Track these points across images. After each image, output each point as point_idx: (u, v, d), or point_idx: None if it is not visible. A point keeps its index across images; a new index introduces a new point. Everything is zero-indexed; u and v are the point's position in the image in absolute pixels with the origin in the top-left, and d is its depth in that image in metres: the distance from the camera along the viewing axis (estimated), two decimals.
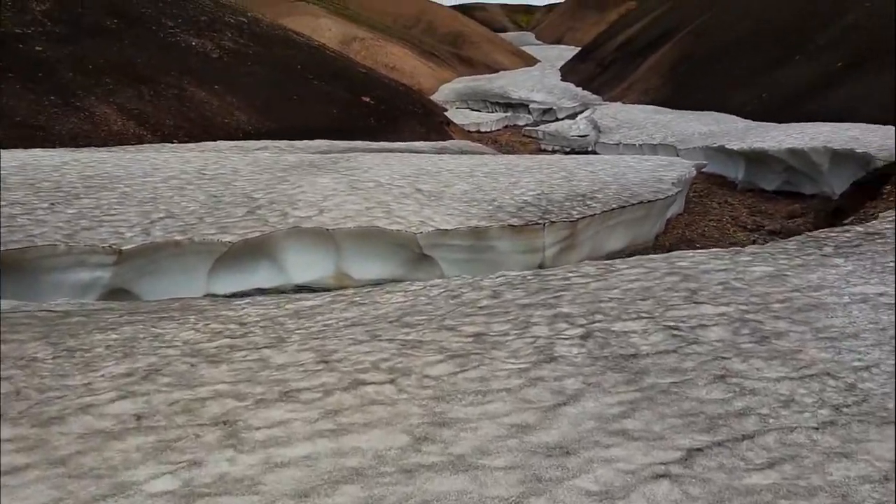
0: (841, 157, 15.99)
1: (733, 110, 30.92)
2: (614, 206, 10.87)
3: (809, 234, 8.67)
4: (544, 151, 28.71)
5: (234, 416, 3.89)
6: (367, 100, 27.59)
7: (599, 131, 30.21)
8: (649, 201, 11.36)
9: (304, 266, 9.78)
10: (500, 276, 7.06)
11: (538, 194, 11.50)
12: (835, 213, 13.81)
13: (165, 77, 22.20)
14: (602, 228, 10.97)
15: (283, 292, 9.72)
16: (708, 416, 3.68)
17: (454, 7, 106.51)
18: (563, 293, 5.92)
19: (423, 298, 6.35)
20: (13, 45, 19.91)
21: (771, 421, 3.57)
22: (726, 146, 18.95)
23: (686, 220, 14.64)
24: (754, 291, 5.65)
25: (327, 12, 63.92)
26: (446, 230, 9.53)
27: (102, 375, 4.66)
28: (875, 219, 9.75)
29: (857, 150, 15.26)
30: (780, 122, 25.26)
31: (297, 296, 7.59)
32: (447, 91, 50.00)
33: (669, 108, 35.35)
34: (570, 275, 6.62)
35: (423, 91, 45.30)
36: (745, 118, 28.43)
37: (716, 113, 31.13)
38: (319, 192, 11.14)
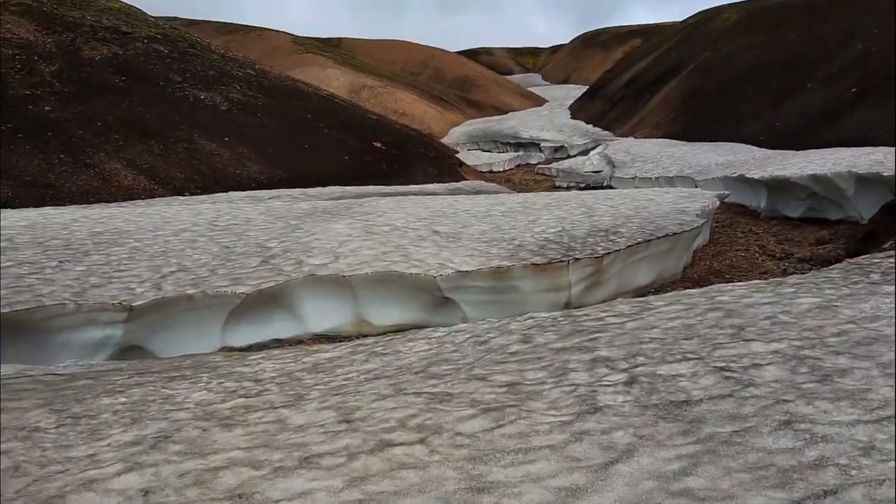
0: (866, 182, 15.58)
1: (747, 140, 30.67)
2: (639, 240, 10.50)
3: (851, 260, 8.26)
4: (559, 188, 28.42)
5: (251, 487, 3.51)
6: (379, 145, 27.49)
7: (614, 166, 29.95)
8: (674, 234, 10.98)
9: (322, 314, 9.45)
10: (528, 319, 6.69)
11: (559, 231, 11.15)
12: (867, 237, 13.36)
13: (174, 131, 22.16)
14: (628, 263, 10.58)
15: (300, 342, 9.38)
16: (779, 469, 3.26)
17: (460, 52, 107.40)
18: (598, 335, 5.53)
19: (448, 346, 5.97)
20: (22, 107, 19.94)
21: (853, 473, 3.16)
22: (746, 175, 18.55)
23: (712, 250, 14.22)
24: (805, 325, 5.24)
25: (335, 63, 64.59)
26: (466, 272, 9.18)
27: (108, 444, 4.30)
28: None
29: (884, 174, 14.84)
30: (796, 149, 24.95)
31: (315, 347, 7.22)
32: (458, 133, 50.08)
33: (682, 140, 35.16)
34: (604, 314, 6.22)
35: (434, 134, 45.37)
36: (761, 147, 28.16)
37: (730, 143, 30.84)
38: (334, 238, 10.85)
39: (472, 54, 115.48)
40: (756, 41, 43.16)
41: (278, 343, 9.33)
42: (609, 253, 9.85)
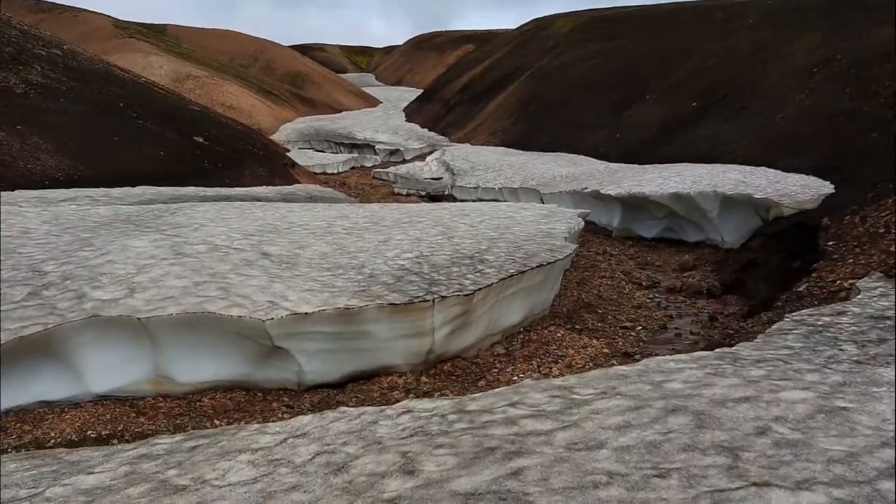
0: (730, 203, 14.82)
1: (587, 151, 30.20)
2: (511, 271, 8.82)
3: (792, 317, 6.93)
4: (399, 195, 26.68)
5: None
6: (201, 140, 24.63)
7: (454, 174, 28.61)
8: (549, 263, 9.41)
9: (109, 369, 7.11)
10: (402, 413, 4.73)
11: (417, 257, 9.30)
12: (747, 267, 12.44)
13: None
14: (500, 299, 8.88)
15: (78, 405, 7.01)
16: None
17: (293, 47, 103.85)
18: (521, 460, 3.67)
19: (284, 469, 3.92)
20: None
21: None
22: (602, 191, 17.49)
23: (576, 277, 12.87)
24: (824, 448, 3.64)
25: (158, 50, 60.02)
26: (306, 314, 7.14)
27: None
28: (846, 289, 8.27)
29: (755, 196, 14.06)
30: (640, 163, 24.48)
31: (77, 455, 4.81)
32: (289, 131, 47.40)
33: (520, 149, 34.46)
34: (515, 412, 4.38)
35: (264, 131, 42.48)
36: (602, 159, 27.65)
37: (570, 154, 30.27)
38: (133, 261, 8.47)
39: (305, 50, 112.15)
40: (593, 50, 43.39)
41: (46, 406, 6.92)
42: (480, 288, 8.10)
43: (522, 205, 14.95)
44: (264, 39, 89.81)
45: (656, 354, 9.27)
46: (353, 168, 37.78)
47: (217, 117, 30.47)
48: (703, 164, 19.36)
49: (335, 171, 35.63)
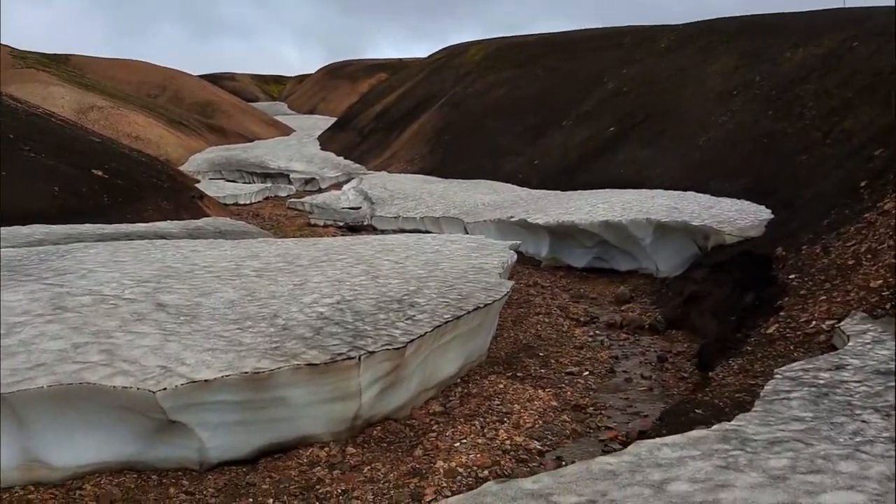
0: (664, 230, 14.23)
1: (506, 178, 29.65)
2: (447, 316, 7.84)
3: (784, 373, 6.12)
4: (315, 226, 25.47)
5: None
6: (100, 173, 22.98)
7: (372, 203, 27.60)
8: (486, 305, 8.48)
9: None
10: None
11: (338, 303, 8.23)
12: (690, 300, 11.74)
13: None
14: (434, 349, 7.88)
15: None
16: None
17: (203, 77, 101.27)
18: None
19: None
20: None
21: None
22: (529, 220, 16.72)
23: (511, 314, 11.97)
24: None
25: (60, 80, 57.32)
26: (206, 381, 6.01)
27: None
28: (825, 332, 7.56)
29: (693, 223, 13.47)
30: (562, 189, 23.96)
31: None
32: (199, 161, 45.64)
33: (438, 176, 33.77)
34: None
35: (172, 161, 40.65)
36: (522, 185, 27.07)
37: (489, 181, 29.66)
38: (2, 319, 7.16)
39: (215, 79, 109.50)
40: (505, 77, 43.22)
41: None
42: (413, 339, 7.09)
43: (449, 237, 14.02)
44: (171, 69, 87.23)
45: (610, 406, 8.46)
46: (266, 198, 36.36)
47: (119, 149, 28.75)
48: (630, 190, 18.86)
49: (248, 202, 34.18)
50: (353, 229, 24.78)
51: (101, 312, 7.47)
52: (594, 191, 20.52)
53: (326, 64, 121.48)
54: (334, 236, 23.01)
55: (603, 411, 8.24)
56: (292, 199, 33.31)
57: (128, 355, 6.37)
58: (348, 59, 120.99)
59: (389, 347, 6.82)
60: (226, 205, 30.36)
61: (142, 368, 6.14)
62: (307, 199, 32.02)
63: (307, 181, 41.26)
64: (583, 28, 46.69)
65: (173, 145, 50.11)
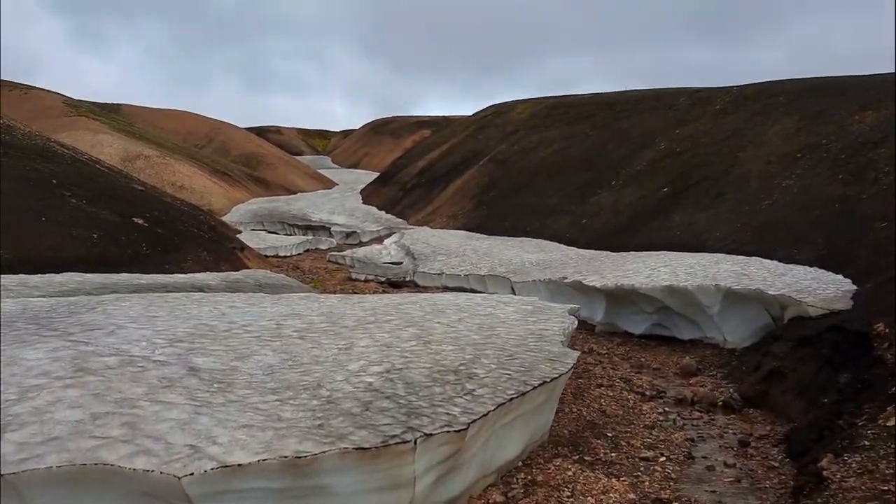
0: (733, 298, 13.24)
1: (551, 237, 28.93)
2: (511, 392, 6.96)
3: None
4: (356, 281, 24.78)
5: None
6: (141, 221, 22.62)
7: (414, 258, 26.92)
8: (552, 379, 7.59)
9: None
10: None
11: (387, 371, 7.39)
12: (770, 377, 10.70)
13: None
14: (496, 430, 6.98)
15: None
16: None
17: (249, 129, 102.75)
18: None
19: None
20: None
21: None
22: (584, 282, 15.82)
23: (570, 386, 11.02)
24: None
25: (109, 128, 58.33)
26: (240, 465, 5.18)
27: None
28: None
29: (770, 292, 12.48)
30: (612, 249, 23.11)
31: None
32: (241, 212, 45.58)
33: (482, 233, 33.20)
34: None
35: (215, 212, 40.58)
36: (569, 245, 26.25)
37: (535, 239, 28.93)
38: (17, 381, 6.43)
39: (261, 132, 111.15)
40: (553, 135, 42.77)
41: None
42: (476, 420, 6.21)
43: (500, 298, 13.16)
44: (219, 120, 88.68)
45: (696, 501, 7.44)
46: (307, 251, 35.95)
47: (162, 197, 28.52)
48: (690, 254, 17.91)
49: (288, 254, 33.75)
50: (395, 284, 24.05)
51: (127, 377, 6.71)
52: (650, 253, 19.60)
53: (372, 120, 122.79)
54: (375, 292, 22.31)
55: None
56: (333, 253, 32.80)
57: (152, 430, 5.58)
58: (394, 115, 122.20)
59: (450, 430, 5.93)
60: (266, 256, 29.88)
61: (167, 447, 5.33)
62: (348, 252, 31.47)
63: (348, 234, 40.89)
64: (634, 90, 46.08)
65: (217, 195, 50.27)
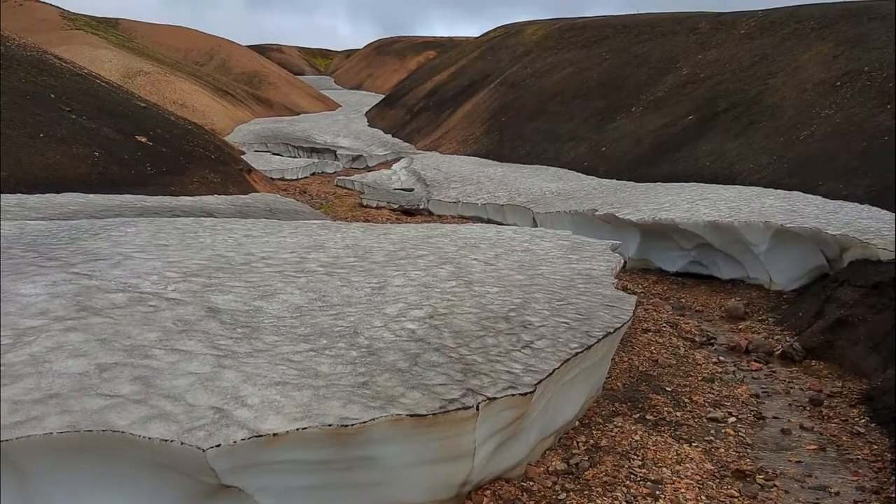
0: (783, 236, 12.33)
1: (568, 165, 27.84)
2: (574, 345, 6.10)
3: None
4: (367, 207, 23.84)
5: None
6: (144, 140, 21.54)
7: (427, 185, 25.91)
8: (615, 329, 6.73)
9: None
10: None
11: (430, 317, 6.53)
12: (836, 325, 9.85)
13: None
14: (558, 389, 6.16)
15: None
16: None
17: (250, 47, 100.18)
18: None
19: None
20: None
21: None
22: (618, 215, 14.86)
23: None
24: None
25: (108, 43, 56.43)
26: (275, 435, 4.35)
27: None
28: None
29: (829, 231, 11.56)
30: (635, 180, 22.12)
31: None
32: (245, 132, 44.27)
33: (494, 160, 32.11)
34: None
35: (218, 131, 39.30)
36: (588, 174, 25.21)
37: (552, 168, 27.83)
38: (12, 321, 5.56)
39: (262, 50, 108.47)
40: (568, 58, 41.22)
41: None
42: (542, 380, 5.36)
43: (533, 231, 12.22)
44: (219, 37, 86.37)
45: (782, 474, 6.63)
46: (313, 174, 34.84)
47: (165, 115, 27.31)
48: (725, 186, 16.92)
49: (294, 177, 32.66)
50: (409, 212, 23.11)
51: (137, 318, 5.85)
52: (681, 184, 18.60)
53: (376, 39, 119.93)
54: (388, 219, 21.42)
55: (776, 483, 6.39)
56: (340, 177, 31.73)
57: (169, 387, 4.72)
58: (398, 35, 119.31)
59: (514, 392, 5.09)
60: (272, 179, 28.84)
61: (188, 410, 4.48)
62: (356, 177, 30.42)
63: (354, 158, 39.68)
64: (652, 13, 44.25)
65: (220, 115, 48.88)
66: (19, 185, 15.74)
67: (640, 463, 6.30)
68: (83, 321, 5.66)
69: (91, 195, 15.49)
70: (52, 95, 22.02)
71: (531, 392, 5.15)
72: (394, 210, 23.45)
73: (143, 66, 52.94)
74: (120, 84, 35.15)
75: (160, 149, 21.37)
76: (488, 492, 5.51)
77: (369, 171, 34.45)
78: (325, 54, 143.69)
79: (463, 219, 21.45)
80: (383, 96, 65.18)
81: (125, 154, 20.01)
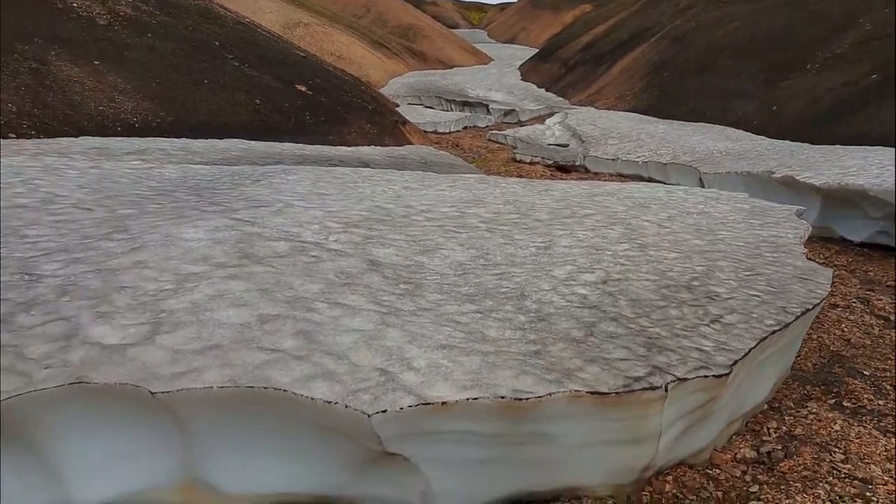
0: None
1: (735, 124, 26.17)
2: (770, 322, 5.42)
3: None
4: (521, 163, 23.28)
5: None
6: (304, 89, 21.81)
7: (582, 141, 25.05)
8: (814, 306, 5.99)
9: (104, 466, 4.15)
10: None
11: (602, 282, 6.00)
12: None
13: (22, 44, 16.12)
14: (751, 369, 5.52)
15: None
16: None
17: (406, 0, 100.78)
18: None
19: None
20: None
21: None
22: (798, 178, 13.67)
23: None
24: None
25: None
26: (444, 404, 3.99)
27: None
28: None
29: None
30: (810, 141, 20.46)
31: None
32: (398, 85, 44.46)
33: (654, 116, 30.69)
34: None
35: (373, 84, 39.62)
36: (758, 134, 23.64)
37: (718, 126, 26.28)
38: (174, 266, 5.46)
39: (418, 3, 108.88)
40: (735, 12, 38.75)
41: None
42: (736, 361, 4.76)
43: (706, 193, 11.35)
44: None
45: None
46: (465, 128, 34.51)
47: (323, 65, 27.64)
48: None
49: (447, 131, 32.44)
50: (563, 169, 22.38)
51: (299, 269, 5.63)
52: (866, 148, 16.98)
53: None
54: (543, 175, 20.83)
55: None
56: (493, 132, 31.22)
57: (333, 344, 4.44)
58: None
59: (708, 374, 4.51)
60: (426, 132, 28.73)
61: (352, 370, 4.18)
62: (509, 132, 29.81)
63: (506, 112, 38.99)
64: None
65: (375, 67, 49.36)
66: (184, 130, 16.23)
67: (843, 457, 5.57)
68: (245, 269, 5.49)
69: (252, 142, 15.75)
70: (217, 43, 22.58)
71: (727, 374, 4.55)
72: (548, 166, 22.79)
73: (303, 17, 54.10)
74: (280, 34, 35.95)
75: (319, 98, 21.58)
76: (670, 478, 4.97)
77: (522, 126, 33.74)
78: (480, 7, 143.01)
79: (622, 176, 20.55)
80: (537, 50, 63.90)
81: (285, 102, 20.31)
